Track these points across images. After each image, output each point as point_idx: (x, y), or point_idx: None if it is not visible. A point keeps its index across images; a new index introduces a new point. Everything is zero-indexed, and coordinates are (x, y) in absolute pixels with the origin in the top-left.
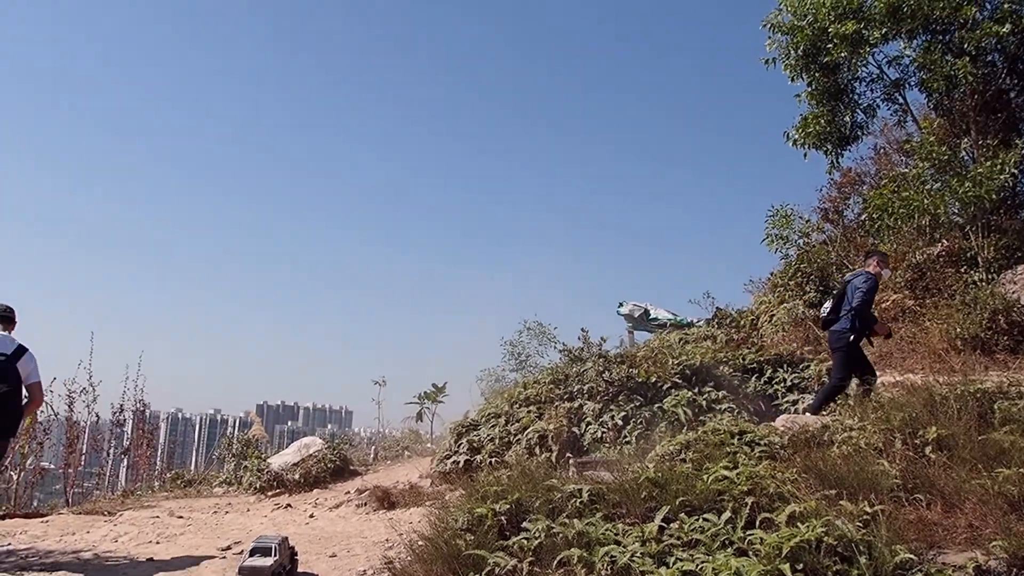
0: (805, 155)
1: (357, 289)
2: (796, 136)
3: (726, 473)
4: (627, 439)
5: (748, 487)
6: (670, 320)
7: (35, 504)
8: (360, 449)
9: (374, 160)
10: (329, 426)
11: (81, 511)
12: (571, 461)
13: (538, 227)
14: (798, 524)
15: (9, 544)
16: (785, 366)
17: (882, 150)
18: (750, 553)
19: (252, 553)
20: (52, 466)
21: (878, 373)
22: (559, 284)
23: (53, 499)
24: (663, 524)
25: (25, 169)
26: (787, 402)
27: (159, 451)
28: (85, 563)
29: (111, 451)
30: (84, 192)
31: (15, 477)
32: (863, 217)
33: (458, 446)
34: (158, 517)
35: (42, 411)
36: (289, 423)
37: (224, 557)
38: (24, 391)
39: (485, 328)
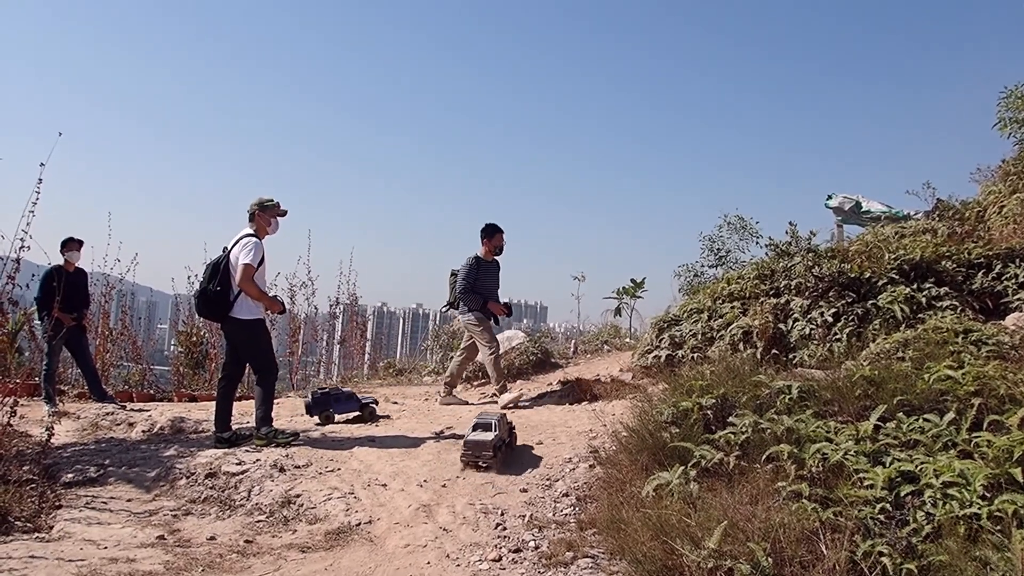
0: None
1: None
2: None
3: (950, 372)
4: (837, 336)
5: (975, 388)
6: (884, 213)
7: None
8: (558, 343)
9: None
10: (525, 320)
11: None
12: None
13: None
14: None
15: (248, 422)
16: (1017, 261)
17: None
18: (975, 456)
19: (475, 428)
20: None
21: None
22: (760, 179)
23: (278, 384)
24: (879, 423)
25: None
26: (1019, 300)
27: (369, 342)
28: (314, 441)
29: (328, 341)
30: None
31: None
32: None
33: (659, 340)
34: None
35: None
36: None
37: (437, 440)
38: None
39: (683, 226)
